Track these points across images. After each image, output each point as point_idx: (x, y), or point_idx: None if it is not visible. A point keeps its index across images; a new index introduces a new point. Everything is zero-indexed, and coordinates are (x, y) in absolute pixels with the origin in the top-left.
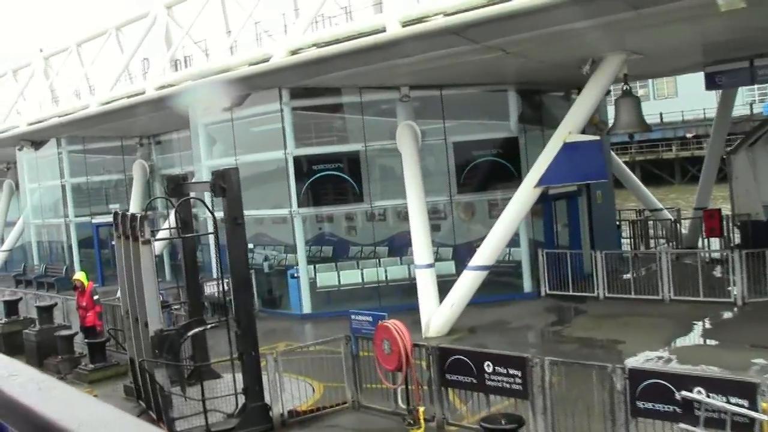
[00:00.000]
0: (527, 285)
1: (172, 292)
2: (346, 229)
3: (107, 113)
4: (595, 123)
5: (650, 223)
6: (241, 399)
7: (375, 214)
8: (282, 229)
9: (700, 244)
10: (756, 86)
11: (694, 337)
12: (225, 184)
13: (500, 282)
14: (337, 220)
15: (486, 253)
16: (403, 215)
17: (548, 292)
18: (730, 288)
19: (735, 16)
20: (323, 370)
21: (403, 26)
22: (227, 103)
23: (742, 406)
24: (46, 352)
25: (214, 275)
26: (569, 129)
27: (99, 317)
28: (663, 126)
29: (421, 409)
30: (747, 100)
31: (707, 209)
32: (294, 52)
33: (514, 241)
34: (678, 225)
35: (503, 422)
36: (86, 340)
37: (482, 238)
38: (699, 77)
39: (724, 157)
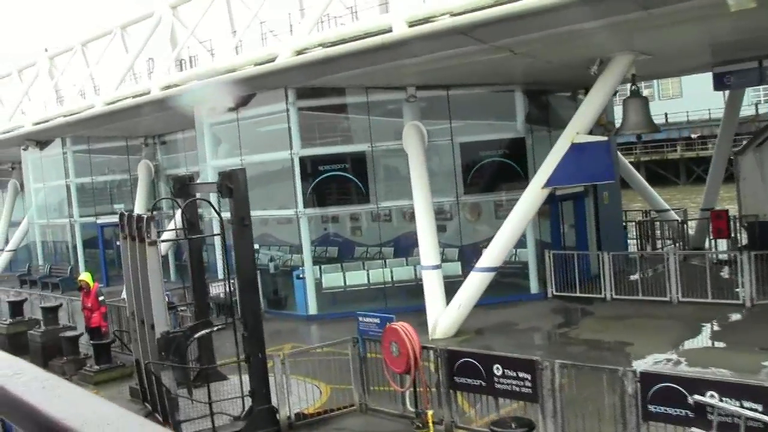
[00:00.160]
0: (534, 286)
1: (178, 293)
2: (351, 229)
3: (112, 113)
4: (602, 124)
5: (657, 224)
6: (248, 401)
7: (381, 215)
8: (287, 229)
9: (707, 245)
10: (762, 86)
11: (702, 339)
12: (232, 184)
13: (507, 283)
14: (342, 221)
15: (493, 254)
16: (408, 216)
17: (555, 293)
18: (738, 289)
19: (744, 16)
20: (330, 372)
21: (410, 26)
22: (231, 103)
23: (755, 410)
24: (51, 353)
25: (219, 276)
26: (577, 130)
27: (104, 318)
28: (668, 126)
29: (430, 412)
30: (753, 101)
31: (714, 210)
32: (300, 52)
33: (520, 242)
34: (685, 226)
35: (513, 426)
36: (91, 342)
37: (488, 239)
38: (704, 77)
39: (732, 157)
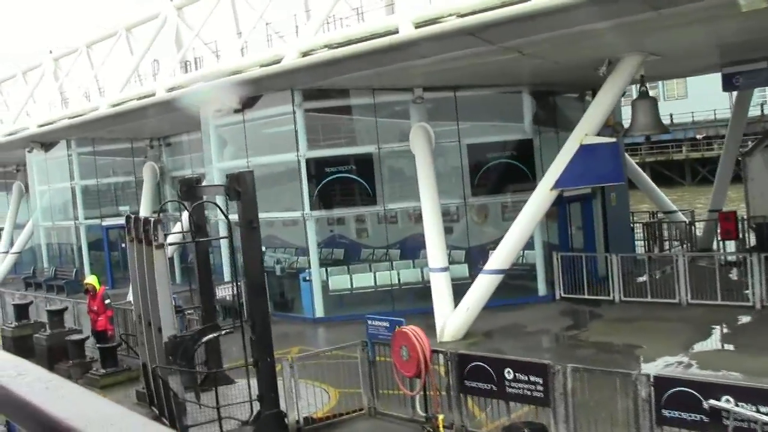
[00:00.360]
0: (542, 288)
1: (183, 295)
2: (357, 231)
3: (117, 115)
4: (611, 125)
5: (664, 225)
6: (256, 406)
7: (387, 217)
8: (293, 231)
9: (714, 246)
10: None
11: (713, 342)
12: (240, 187)
13: (514, 285)
14: (348, 222)
15: (502, 257)
16: (414, 217)
17: (563, 295)
18: (747, 291)
19: (755, 16)
20: (339, 375)
21: (416, 27)
22: (235, 104)
23: None
24: (56, 356)
25: (225, 278)
26: (586, 131)
27: (110, 321)
28: (673, 127)
29: (440, 416)
30: (758, 101)
31: (722, 211)
32: (306, 54)
33: (528, 244)
34: (693, 227)
35: (526, 431)
36: (97, 345)
37: (495, 241)
38: (708, 78)
39: (739, 158)
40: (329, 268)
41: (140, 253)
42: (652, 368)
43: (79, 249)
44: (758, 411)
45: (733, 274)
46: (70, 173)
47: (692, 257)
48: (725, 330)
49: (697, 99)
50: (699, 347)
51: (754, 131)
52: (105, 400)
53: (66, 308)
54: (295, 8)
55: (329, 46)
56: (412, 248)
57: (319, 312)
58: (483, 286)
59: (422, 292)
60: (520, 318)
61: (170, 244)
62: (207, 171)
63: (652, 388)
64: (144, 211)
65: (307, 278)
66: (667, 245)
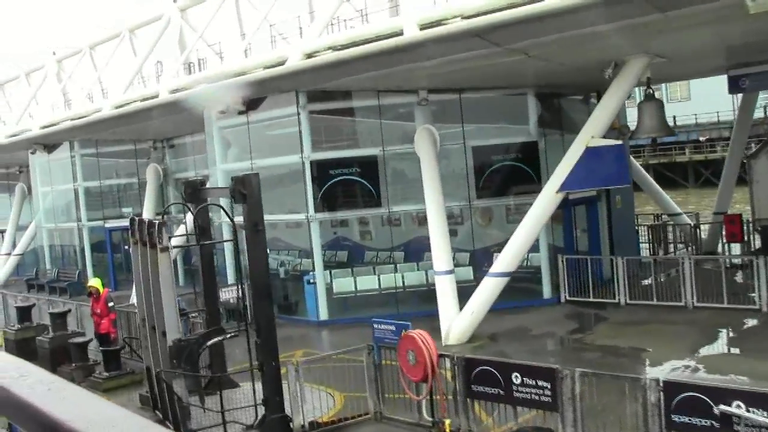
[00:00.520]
0: (547, 291)
1: (187, 298)
2: (361, 233)
3: (120, 116)
4: (616, 127)
5: (669, 227)
6: (261, 410)
7: (392, 219)
8: (297, 233)
9: (719, 249)
10: None
11: (720, 346)
12: (245, 189)
13: (519, 288)
14: (351, 225)
15: (507, 259)
16: (418, 220)
17: (568, 298)
18: (753, 294)
19: (762, 18)
20: (344, 379)
21: (421, 29)
22: (241, 106)
23: None
24: (59, 359)
25: (228, 281)
26: (591, 133)
27: (113, 324)
28: (676, 129)
29: (447, 421)
30: (762, 103)
31: (728, 214)
32: (310, 55)
33: (533, 247)
34: (698, 230)
35: None
36: (101, 348)
37: (500, 244)
38: (712, 80)
39: (744, 161)
40: (333, 271)
41: (144, 256)
42: (659, 372)
43: (82, 251)
44: None
45: (739, 277)
46: (73, 175)
47: (696, 260)
48: (732, 333)
49: (701, 101)
50: (706, 351)
51: (758, 133)
52: (107, 402)
53: (69, 311)
54: (298, 10)
55: (333, 48)
56: (417, 251)
57: (323, 315)
58: (488, 288)
59: (427, 295)
60: (525, 321)
61: (174, 247)
62: (210, 173)
63: (662, 392)
64: (147, 212)
65: (311, 281)
66: (672, 248)
